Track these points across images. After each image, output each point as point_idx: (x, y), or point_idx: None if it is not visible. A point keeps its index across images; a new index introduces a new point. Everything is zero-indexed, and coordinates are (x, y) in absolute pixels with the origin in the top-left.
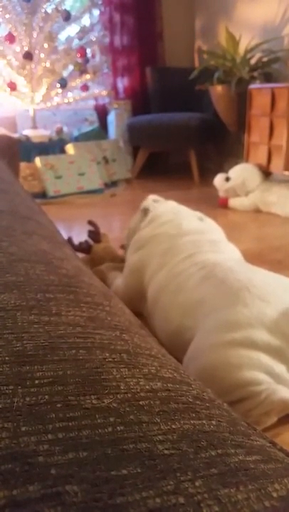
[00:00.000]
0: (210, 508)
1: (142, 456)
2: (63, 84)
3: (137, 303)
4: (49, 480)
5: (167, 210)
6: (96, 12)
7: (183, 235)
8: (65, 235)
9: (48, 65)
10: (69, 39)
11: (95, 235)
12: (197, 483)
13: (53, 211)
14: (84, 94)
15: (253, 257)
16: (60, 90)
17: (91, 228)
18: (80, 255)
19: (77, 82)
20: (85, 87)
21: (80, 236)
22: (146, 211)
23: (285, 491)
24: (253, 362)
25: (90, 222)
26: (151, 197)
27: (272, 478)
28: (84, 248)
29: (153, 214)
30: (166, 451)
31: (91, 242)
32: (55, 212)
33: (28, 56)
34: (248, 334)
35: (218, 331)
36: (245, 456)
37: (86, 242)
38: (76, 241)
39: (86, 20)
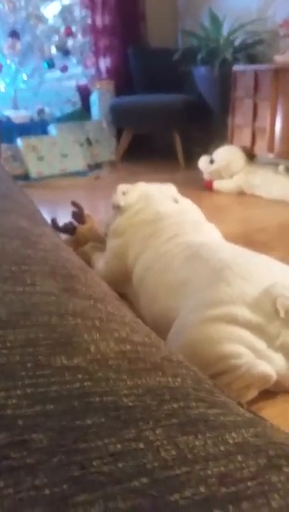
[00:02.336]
0: (168, 452)
1: (106, 408)
2: (51, 64)
3: (121, 284)
4: (16, 429)
5: (138, 198)
6: None
7: (163, 219)
8: (48, 217)
9: (35, 43)
10: (53, 18)
11: (79, 216)
12: (157, 432)
13: (36, 193)
14: (67, 74)
15: (238, 239)
16: (47, 70)
17: (75, 209)
18: (65, 237)
19: (63, 62)
20: (64, 68)
21: (65, 218)
22: (117, 207)
23: (241, 439)
24: (234, 336)
25: (74, 204)
26: (119, 189)
27: (230, 428)
28: (68, 229)
29: (124, 205)
30: (130, 404)
31: (75, 223)
32: (39, 195)
33: (15, 35)
34: (229, 310)
35: (200, 309)
36: (206, 409)
37: (70, 223)
38: (61, 223)
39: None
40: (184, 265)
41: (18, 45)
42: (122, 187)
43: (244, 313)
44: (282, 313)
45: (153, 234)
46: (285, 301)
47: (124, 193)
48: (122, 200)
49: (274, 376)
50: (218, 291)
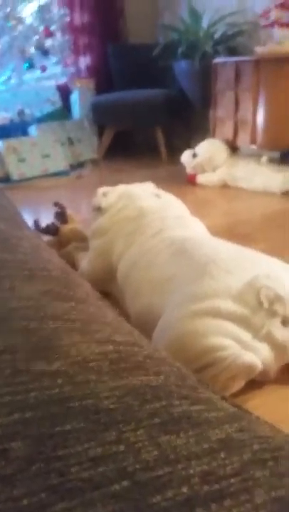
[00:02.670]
0: (149, 454)
1: (86, 411)
2: (31, 64)
3: (106, 283)
4: None
5: (119, 197)
6: None
7: (146, 215)
8: (31, 219)
9: (14, 44)
10: (30, 17)
11: (61, 216)
12: (139, 432)
13: (18, 195)
14: (46, 74)
15: (222, 231)
16: (26, 71)
17: (58, 210)
18: (48, 238)
19: (42, 62)
20: (44, 68)
21: (47, 219)
22: (98, 209)
23: (225, 435)
24: (219, 329)
25: (56, 204)
26: (100, 192)
27: (214, 425)
28: (51, 230)
29: (105, 205)
30: (111, 406)
31: (58, 223)
32: (21, 197)
33: None
34: (214, 304)
35: (185, 303)
36: (190, 406)
37: (53, 224)
38: (44, 224)
39: None
40: (169, 261)
41: None
42: (102, 189)
43: (228, 305)
44: (265, 304)
45: (137, 230)
46: (268, 291)
47: (104, 195)
48: (102, 202)
49: (259, 366)
50: (202, 285)
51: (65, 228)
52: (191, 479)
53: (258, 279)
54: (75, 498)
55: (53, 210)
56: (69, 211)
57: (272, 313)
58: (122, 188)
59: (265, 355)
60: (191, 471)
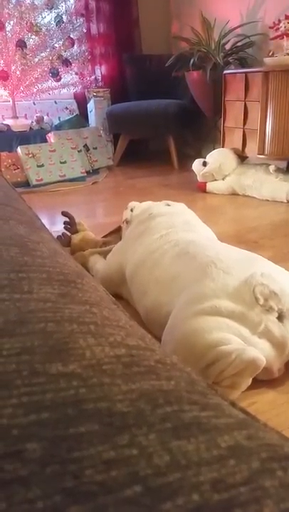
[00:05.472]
0: (161, 459)
1: (100, 414)
2: (55, 74)
3: (118, 286)
4: (10, 439)
5: (142, 211)
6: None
7: (155, 218)
8: (48, 223)
9: (42, 54)
10: (50, 28)
11: (70, 225)
12: (151, 437)
13: (36, 200)
14: (64, 82)
15: (230, 238)
16: (52, 80)
17: (66, 219)
18: None
19: (60, 71)
20: (58, 77)
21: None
22: (127, 221)
23: (234, 442)
24: (221, 325)
25: (64, 214)
26: (129, 206)
27: (223, 431)
28: (63, 241)
29: (130, 218)
30: (124, 409)
31: (68, 233)
32: (38, 201)
33: (21, 44)
34: (214, 304)
35: (188, 304)
36: (200, 412)
37: (64, 234)
38: (55, 235)
39: (62, 8)
40: (174, 261)
41: (24, 54)
42: (131, 204)
43: (227, 304)
44: (261, 301)
45: (145, 232)
46: (263, 288)
47: (132, 210)
48: (128, 215)
49: (263, 360)
50: (203, 286)
51: (76, 238)
52: (202, 486)
53: (253, 276)
54: (89, 501)
55: (63, 218)
56: (77, 219)
57: (267, 309)
58: (146, 203)
59: (265, 351)
60: (202, 478)
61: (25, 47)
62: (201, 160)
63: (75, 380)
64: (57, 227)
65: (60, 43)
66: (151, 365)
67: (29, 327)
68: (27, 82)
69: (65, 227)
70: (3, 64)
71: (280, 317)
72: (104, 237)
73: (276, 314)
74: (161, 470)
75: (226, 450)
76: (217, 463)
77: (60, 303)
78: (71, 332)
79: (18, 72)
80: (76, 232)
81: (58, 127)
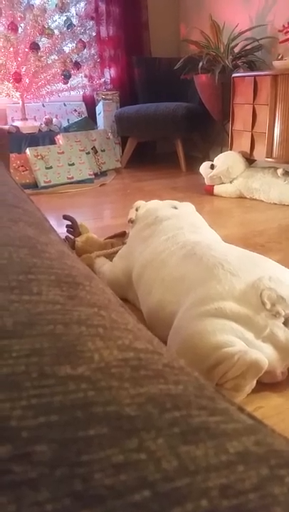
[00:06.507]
0: (169, 464)
1: (109, 417)
2: (67, 76)
3: (124, 289)
4: (19, 441)
5: (147, 211)
6: (81, 3)
7: (162, 221)
8: (55, 224)
9: (54, 56)
10: (61, 31)
11: (73, 228)
12: (159, 441)
13: (44, 201)
14: (74, 85)
15: (237, 241)
16: (63, 82)
17: (68, 223)
18: None
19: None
20: (66, 80)
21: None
22: (132, 221)
23: (242, 448)
24: (225, 327)
25: (66, 217)
26: (134, 206)
27: (231, 437)
28: (68, 245)
29: (135, 218)
30: (132, 413)
31: (71, 237)
32: (46, 202)
33: (35, 47)
34: (219, 306)
35: (194, 306)
36: (208, 417)
37: (67, 238)
38: (61, 233)
39: (72, 11)
40: (181, 262)
41: (38, 57)
42: (136, 203)
43: (232, 307)
44: (268, 305)
45: (152, 234)
46: (270, 293)
47: (137, 209)
48: (133, 215)
49: (266, 362)
50: (209, 288)
51: (79, 242)
52: (211, 492)
53: (261, 280)
54: (98, 505)
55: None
56: (79, 221)
57: (274, 314)
58: (151, 202)
59: (269, 355)
60: (210, 484)
61: (39, 49)
62: (209, 163)
63: (83, 383)
64: (63, 229)
65: (72, 45)
66: (159, 369)
67: (38, 329)
68: (39, 84)
69: (67, 231)
70: (16, 66)
71: (287, 322)
72: (106, 239)
73: (283, 319)
74: (169, 475)
75: (234, 456)
76: (226, 469)
77: (68, 305)
78: (80, 334)
79: (30, 74)
80: (79, 234)
81: (66, 129)
